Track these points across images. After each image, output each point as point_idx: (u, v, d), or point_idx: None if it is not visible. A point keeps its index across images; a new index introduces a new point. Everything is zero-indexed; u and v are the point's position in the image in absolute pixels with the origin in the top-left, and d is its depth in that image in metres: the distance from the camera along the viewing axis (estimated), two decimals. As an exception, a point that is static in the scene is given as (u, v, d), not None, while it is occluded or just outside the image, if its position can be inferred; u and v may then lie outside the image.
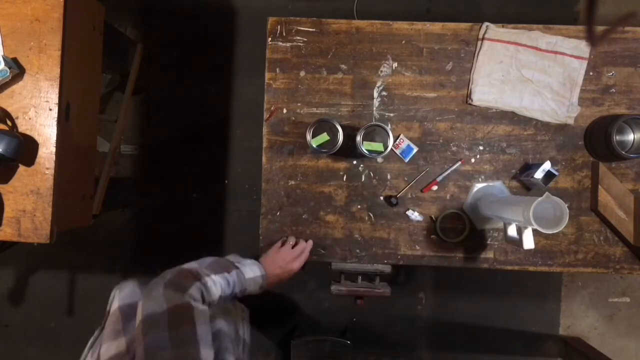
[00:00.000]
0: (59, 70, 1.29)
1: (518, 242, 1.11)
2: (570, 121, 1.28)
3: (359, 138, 1.16)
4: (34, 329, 2.23)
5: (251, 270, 1.08)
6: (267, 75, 1.31)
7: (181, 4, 2.24)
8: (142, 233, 2.24)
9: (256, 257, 1.16)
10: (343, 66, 1.31)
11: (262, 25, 1.32)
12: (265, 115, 1.31)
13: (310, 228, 1.30)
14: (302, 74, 1.31)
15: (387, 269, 1.30)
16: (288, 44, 1.31)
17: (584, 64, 1.27)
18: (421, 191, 1.29)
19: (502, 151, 1.29)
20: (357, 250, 1.30)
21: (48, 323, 2.23)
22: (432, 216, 1.29)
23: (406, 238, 1.30)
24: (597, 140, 1.25)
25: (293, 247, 1.23)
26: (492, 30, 1.28)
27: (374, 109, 1.30)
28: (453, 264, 1.30)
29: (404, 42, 1.30)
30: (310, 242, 1.26)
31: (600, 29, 0.49)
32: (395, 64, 1.30)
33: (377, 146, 1.18)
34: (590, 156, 1.28)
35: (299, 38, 1.31)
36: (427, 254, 1.30)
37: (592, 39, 0.49)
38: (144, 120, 2.23)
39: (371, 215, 1.30)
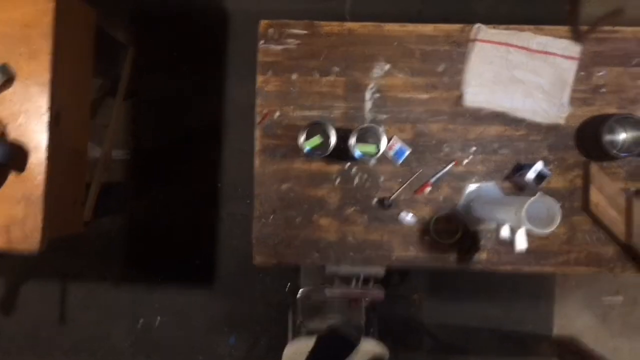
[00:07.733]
0: (49, 75, 1.28)
1: (511, 242, 1.11)
2: (562, 121, 1.28)
3: (351, 140, 1.16)
4: (25, 337, 2.20)
5: None
6: (259, 78, 1.31)
7: (172, 7, 2.23)
8: (135, 239, 2.21)
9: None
10: (335, 68, 1.31)
11: (254, 28, 1.32)
12: (258, 118, 1.31)
13: (304, 231, 1.30)
14: (294, 76, 1.31)
15: (381, 271, 1.30)
16: (280, 47, 1.31)
17: (575, 64, 1.28)
18: (414, 193, 1.29)
19: (494, 152, 1.30)
20: (351, 253, 1.30)
21: (39, 331, 2.20)
22: (426, 218, 1.29)
23: (400, 240, 1.30)
24: (588, 140, 1.26)
25: None
26: (484, 31, 1.28)
27: (367, 111, 1.30)
28: (447, 265, 1.30)
29: (396, 43, 1.31)
30: None
31: (585, 29, 0.50)
32: (387, 66, 1.31)
33: (370, 148, 1.18)
34: (581, 156, 1.29)
35: (290, 40, 1.31)
36: (420, 255, 1.30)
37: (578, 34, 0.49)
38: (135, 125, 2.22)
39: (365, 217, 1.30)
